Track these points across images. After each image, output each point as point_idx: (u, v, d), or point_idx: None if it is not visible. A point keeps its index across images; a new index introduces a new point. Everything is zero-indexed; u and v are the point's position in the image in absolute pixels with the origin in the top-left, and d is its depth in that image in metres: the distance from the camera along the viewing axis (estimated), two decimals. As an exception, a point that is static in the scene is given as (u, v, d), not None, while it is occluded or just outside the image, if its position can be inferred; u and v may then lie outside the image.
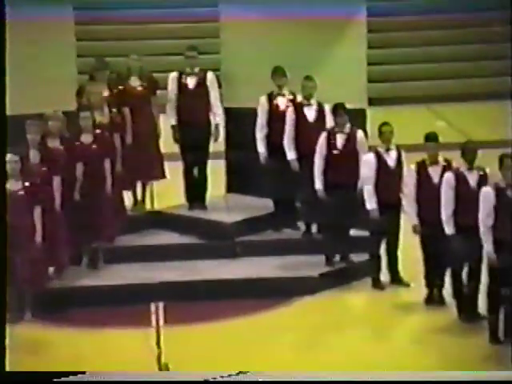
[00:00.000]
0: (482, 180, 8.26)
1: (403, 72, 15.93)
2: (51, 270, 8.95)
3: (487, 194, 7.90)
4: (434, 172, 8.70)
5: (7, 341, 6.99)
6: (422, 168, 8.75)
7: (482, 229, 7.91)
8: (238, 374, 6.78)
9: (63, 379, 6.69)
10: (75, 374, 6.84)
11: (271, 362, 7.62)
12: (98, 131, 9.33)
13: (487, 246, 7.89)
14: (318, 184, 9.23)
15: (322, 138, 9.26)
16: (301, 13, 10.04)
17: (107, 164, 9.30)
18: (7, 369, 6.91)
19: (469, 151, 8.33)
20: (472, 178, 8.28)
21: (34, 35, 9.91)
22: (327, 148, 9.22)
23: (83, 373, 6.88)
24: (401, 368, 7.43)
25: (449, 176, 8.34)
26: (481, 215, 7.93)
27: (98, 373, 6.92)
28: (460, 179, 8.28)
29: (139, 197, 10.28)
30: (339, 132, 9.26)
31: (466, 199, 8.22)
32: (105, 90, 9.87)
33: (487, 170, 8.34)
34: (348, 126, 9.28)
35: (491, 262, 7.92)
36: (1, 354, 6.87)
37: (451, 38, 16.18)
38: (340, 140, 9.23)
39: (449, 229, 8.26)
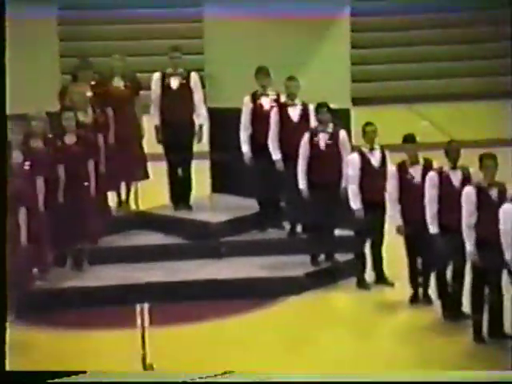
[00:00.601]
0: (466, 179, 8.29)
1: (387, 72, 15.96)
2: (35, 271, 8.91)
3: (469, 194, 7.93)
4: (414, 172, 8.73)
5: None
6: (402, 168, 8.77)
7: (464, 228, 7.94)
8: (223, 373, 6.77)
9: (61, 380, 6.67)
10: (75, 373, 6.82)
11: (257, 362, 7.61)
12: (81, 131, 9.30)
13: (470, 246, 7.91)
14: (302, 184, 9.25)
15: (305, 138, 9.27)
16: (284, 13, 10.05)
17: (91, 164, 9.27)
18: (7, 368, 6.89)
19: (452, 151, 8.36)
20: (455, 178, 8.31)
21: (17, 35, 9.86)
22: (310, 147, 9.23)
23: (84, 372, 6.87)
24: (386, 367, 7.44)
25: (432, 175, 8.36)
26: (463, 214, 7.95)
27: (98, 373, 6.90)
28: (443, 179, 8.31)
29: (123, 197, 10.26)
30: (322, 131, 9.28)
31: (449, 199, 8.24)
32: (88, 90, 9.84)
33: (471, 170, 8.37)
34: (331, 125, 9.29)
35: (474, 261, 7.94)
36: (1, 353, 6.84)
37: (435, 37, 16.23)
38: (323, 139, 9.25)
39: (433, 228, 8.29)
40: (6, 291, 7.20)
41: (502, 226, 7.67)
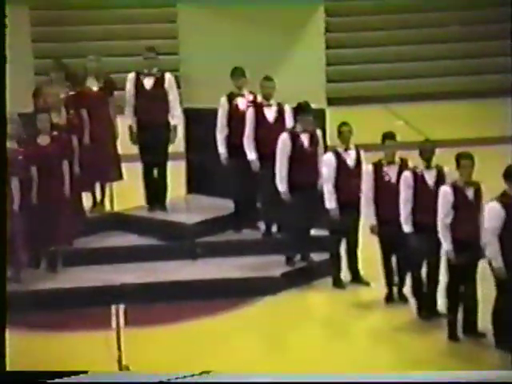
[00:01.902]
0: (440, 179, 8.33)
1: (362, 72, 16.02)
2: (9, 272, 8.84)
3: (445, 193, 7.96)
4: (390, 171, 8.76)
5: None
6: (378, 168, 8.79)
7: (440, 227, 7.97)
8: (201, 373, 6.77)
9: (61, 380, 6.64)
10: (76, 373, 6.79)
11: (233, 363, 7.61)
12: (55, 133, 9.26)
13: (446, 245, 7.95)
14: (283, 186, 9.20)
15: (286, 138, 9.25)
16: (259, 13, 10.07)
17: (65, 166, 9.24)
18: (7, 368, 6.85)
19: (426, 150, 8.39)
20: (430, 177, 8.35)
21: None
22: (292, 148, 9.21)
23: (85, 372, 6.84)
24: (361, 366, 7.46)
25: (406, 175, 8.39)
26: (439, 214, 7.99)
27: (99, 373, 6.87)
28: (418, 178, 8.34)
29: (98, 198, 10.22)
30: (303, 132, 9.27)
31: (424, 198, 8.27)
32: (62, 91, 9.80)
33: (445, 169, 8.41)
34: (312, 125, 9.29)
35: (450, 260, 7.97)
36: (1, 353, 6.79)
37: (410, 37, 16.30)
38: (305, 140, 9.25)
39: (407, 227, 8.32)
40: (6, 291, 7.15)
41: (486, 224, 7.66)
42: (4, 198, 7.39)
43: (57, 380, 6.61)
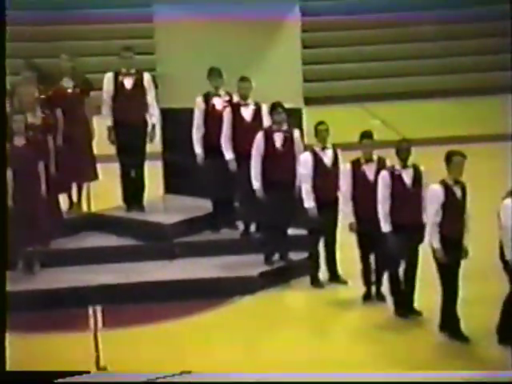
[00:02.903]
0: (417, 178, 8.35)
1: (338, 71, 16.06)
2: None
3: (435, 192, 7.92)
4: (368, 170, 8.78)
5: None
6: (356, 166, 8.82)
7: (429, 226, 7.91)
8: (181, 373, 6.76)
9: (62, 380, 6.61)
10: (77, 374, 6.76)
11: (212, 363, 7.60)
12: (30, 133, 9.20)
13: (435, 243, 7.90)
14: (256, 184, 9.24)
15: (260, 137, 9.28)
16: (235, 13, 10.06)
17: (41, 166, 9.18)
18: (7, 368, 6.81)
19: (403, 150, 8.41)
20: (407, 176, 8.38)
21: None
22: (265, 147, 9.24)
23: (87, 372, 6.81)
24: (339, 364, 7.48)
25: (384, 174, 8.42)
26: (428, 212, 7.94)
27: (101, 373, 6.85)
28: (395, 177, 8.36)
29: (75, 199, 10.17)
30: (277, 131, 9.29)
31: (401, 197, 8.30)
32: (36, 91, 9.74)
33: (422, 168, 8.44)
34: (285, 125, 9.31)
35: (439, 259, 7.91)
36: (1, 353, 6.74)
37: (385, 37, 16.38)
38: (278, 139, 9.27)
39: (385, 227, 8.34)
40: (6, 291, 7.10)
41: (503, 222, 7.59)
42: (4, 198, 7.35)
43: (57, 380, 6.59)
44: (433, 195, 7.95)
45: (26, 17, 15.62)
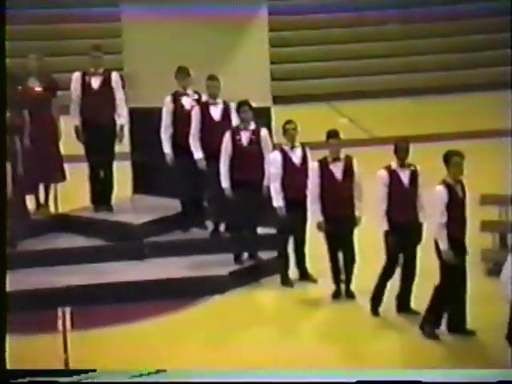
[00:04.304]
0: (414, 177, 8.30)
1: (306, 70, 16.10)
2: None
3: (440, 193, 7.89)
4: (336, 169, 8.81)
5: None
6: (324, 165, 8.84)
7: (436, 227, 7.85)
8: (156, 372, 6.75)
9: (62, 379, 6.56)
10: (78, 373, 6.70)
11: (183, 362, 7.59)
12: (-3, 134, 9.12)
13: (442, 244, 7.85)
14: (225, 183, 9.24)
15: (227, 137, 9.28)
16: (202, 12, 10.04)
17: (8, 167, 9.09)
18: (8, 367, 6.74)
19: (401, 149, 8.33)
20: (405, 176, 8.32)
21: None
22: (233, 146, 9.25)
23: (85, 372, 6.75)
24: (308, 363, 7.50)
25: (382, 173, 8.33)
26: (434, 214, 7.88)
27: (103, 373, 6.80)
28: (393, 177, 8.28)
29: (42, 200, 10.10)
30: (244, 129, 9.30)
31: (398, 197, 8.25)
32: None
33: (418, 168, 8.36)
34: (253, 123, 9.32)
35: (448, 260, 7.84)
36: (1, 352, 6.67)
37: (352, 36, 16.44)
38: (245, 137, 9.27)
39: (383, 226, 8.27)
40: (6, 291, 7.03)
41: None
42: (4, 198, 7.27)
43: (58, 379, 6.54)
44: (437, 196, 7.90)
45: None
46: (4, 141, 7.44)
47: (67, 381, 6.65)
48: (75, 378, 6.64)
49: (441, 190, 7.91)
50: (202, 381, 6.58)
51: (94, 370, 6.71)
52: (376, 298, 8.40)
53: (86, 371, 6.76)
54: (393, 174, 8.31)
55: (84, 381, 6.77)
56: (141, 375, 6.61)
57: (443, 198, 7.88)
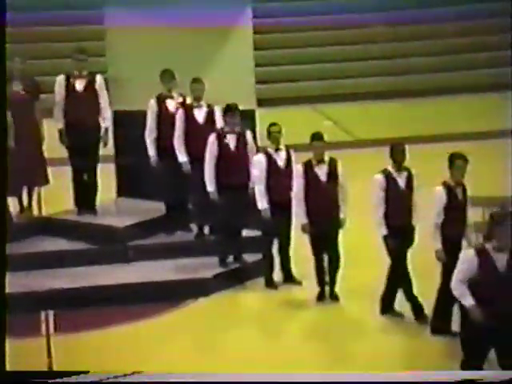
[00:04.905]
0: (410, 180, 8.30)
1: (290, 73, 16.12)
2: None
3: (439, 194, 7.92)
4: (320, 171, 8.82)
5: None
6: (308, 168, 8.84)
7: (432, 228, 7.89)
8: (132, 373, 6.71)
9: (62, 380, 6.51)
10: (77, 373, 6.65)
11: (167, 365, 7.57)
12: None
13: (436, 244, 7.90)
14: (210, 186, 9.23)
15: (212, 140, 9.27)
16: (186, 15, 10.03)
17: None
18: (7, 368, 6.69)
19: (398, 152, 8.32)
20: (401, 179, 8.32)
21: None
22: (219, 149, 9.24)
23: (86, 373, 6.70)
24: (293, 364, 7.50)
25: (379, 178, 8.31)
26: (431, 214, 7.90)
27: (102, 373, 6.74)
28: (390, 181, 8.27)
29: (25, 203, 10.06)
30: (230, 132, 9.29)
31: (395, 200, 8.26)
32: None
33: (413, 171, 8.36)
34: (238, 126, 9.32)
35: (440, 259, 7.88)
36: (1, 353, 6.62)
37: (336, 38, 16.47)
38: (231, 141, 9.27)
39: (381, 230, 8.27)
40: (6, 291, 6.97)
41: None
42: (4, 198, 7.21)
43: (57, 380, 6.49)
44: (436, 197, 7.94)
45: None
46: (4, 140, 7.38)
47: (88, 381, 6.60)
48: (65, 380, 6.61)
49: (440, 190, 7.96)
50: (181, 381, 6.56)
51: (87, 372, 6.67)
52: (385, 300, 8.32)
53: (78, 373, 6.72)
54: (389, 178, 8.32)
55: (73, 381, 6.74)
56: (115, 376, 6.58)
57: (442, 199, 7.92)
